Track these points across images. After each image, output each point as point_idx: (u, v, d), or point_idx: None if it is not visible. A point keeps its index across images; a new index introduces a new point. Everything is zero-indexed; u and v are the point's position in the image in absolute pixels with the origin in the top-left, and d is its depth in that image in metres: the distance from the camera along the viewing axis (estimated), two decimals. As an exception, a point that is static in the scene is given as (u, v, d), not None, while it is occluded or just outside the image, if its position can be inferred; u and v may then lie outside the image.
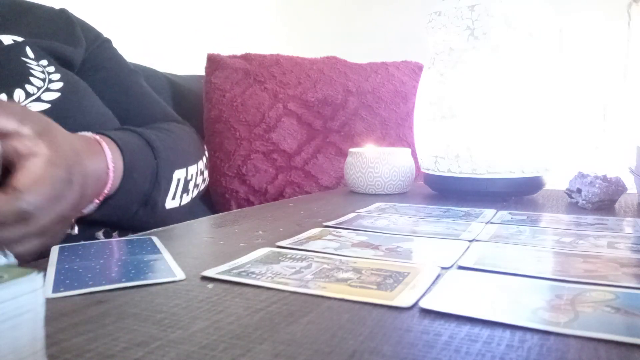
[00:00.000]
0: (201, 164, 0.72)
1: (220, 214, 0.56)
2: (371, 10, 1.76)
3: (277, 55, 1.10)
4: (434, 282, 0.30)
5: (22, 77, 0.55)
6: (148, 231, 0.48)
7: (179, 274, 0.32)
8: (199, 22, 1.65)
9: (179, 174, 0.63)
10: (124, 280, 0.31)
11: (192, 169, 0.68)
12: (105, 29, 0.78)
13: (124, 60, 0.77)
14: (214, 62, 1.07)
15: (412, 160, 0.71)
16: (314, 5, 1.86)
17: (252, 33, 1.84)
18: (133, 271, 0.33)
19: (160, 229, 0.50)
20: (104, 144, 0.48)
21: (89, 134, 0.49)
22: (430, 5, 0.67)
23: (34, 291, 0.17)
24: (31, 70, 0.56)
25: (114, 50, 0.76)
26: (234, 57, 1.09)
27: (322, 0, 1.85)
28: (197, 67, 1.13)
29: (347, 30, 1.79)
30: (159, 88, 1.02)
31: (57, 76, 0.58)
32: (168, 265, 0.34)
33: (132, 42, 1.23)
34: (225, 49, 1.13)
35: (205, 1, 1.70)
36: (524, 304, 0.27)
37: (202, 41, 1.54)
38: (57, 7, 0.72)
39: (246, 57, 1.09)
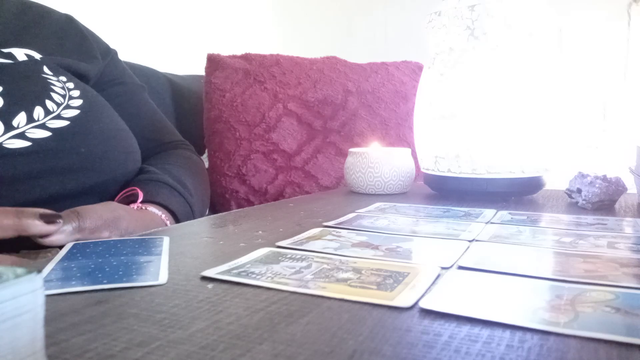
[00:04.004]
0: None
1: (220, 214, 0.56)
2: (371, 10, 1.76)
3: (277, 55, 1.10)
4: (433, 282, 0.30)
5: (43, 93, 0.56)
6: (150, 230, 0.48)
7: (162, 278, 0.32)
8: (199, 22, 1.65)
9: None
10: (105, 282, 0.31)
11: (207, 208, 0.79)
12: (106, 29, 0.78)
13: (131, 73, 0.79)
14: (214, 62, 1.07)
15: (412, 160, 0.71)
16: (313, 5, 1.86)
17: (252, 33, 1.84)
18: (121, 272, 0.33)
19: (160, 229, 0.50)
20: (168, 224, 0.58)
21: (160, 214, 0.58)
22: (430, 5, 0.67)
23: (33, 291, 0.17)
24: (52, 86, 0.57)
25: (122, 63, 0.78)
26: (234, 57, 1.09)
27: (322, 0, 1.85)
28: (197, 67, 1.13)
29: (347, 30, 1.79)
30: (159, 88, 1.02)
31: (76, 93, 0.59)
32: (158, 268, 0.34)
33: (132, 42, 1.23)
34: (225, 49, 1.13)
35: (205, 1, 1.70)
36: (524, 304, 0.27)
37: (202, 41, 1.54)
38: (61, 5, 0.72)
39: (246, 57, 1.09)
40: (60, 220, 0.43)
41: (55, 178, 0.53)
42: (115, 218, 0.49)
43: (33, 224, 0.41)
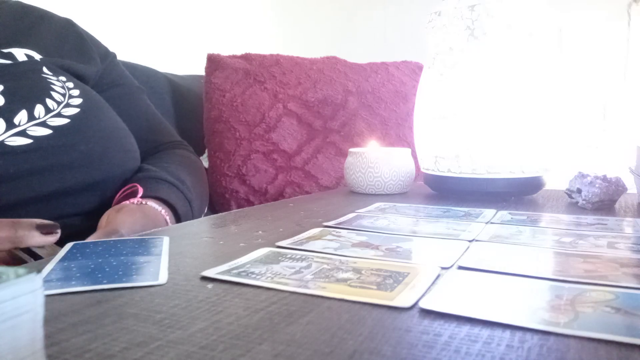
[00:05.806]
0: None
1: (220, 214, 0.56)
2: (371, 10, 1.76)
3: (277, 55, 1.10)
4: (433, 282, 0.30)
5: (43, 91, 0.56)
6: (150, 230, 0.48)
7: (162, 279, 0.32)
8: (199, 22, 1.65)
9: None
10: (105, 282, 0.31)
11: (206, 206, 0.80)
12: (106, 29, 0.79)
13: (130, 75, 0.79)
14: (214, 62, 1.07)
15: (412, 160, 0.71)
16: (314, 5, 1.86)
17: (252, 33, 1.84)
18: (121, 272, 0.33)
19: (160, 229, 0.50)
20: (168, 219, 0.59)
21: (160, 209, 0.58)
22: (430, 5, 0.67)
23: (33, 291, 0.17)
24: (52, 85, 0.57)
25: (121, 66, 0.79)
26: (234, 57, 1.09)
27: (322, 0, 1.85)
28: (197, 67, 1.13)
29: (347, 30, 1.79)
30: (158, 88, 1.02)
31: (76, 92, 0.59)
32: (158, 268, 0.34)
33: (132, 42, 1.23)
34: (225, 49, 1.13)
35: (205, 1, 1.70)
36: (524, 304, 0.27)
37: (202, 41, 1.54)
38: (61, 5, 0.73)
39: (246, 57, 1.09)
40: (58, 230, 0.42)
41: (56, 175, 0.53)
42: (114, 231, 0.48)
43: (30, 235, 0.40)
